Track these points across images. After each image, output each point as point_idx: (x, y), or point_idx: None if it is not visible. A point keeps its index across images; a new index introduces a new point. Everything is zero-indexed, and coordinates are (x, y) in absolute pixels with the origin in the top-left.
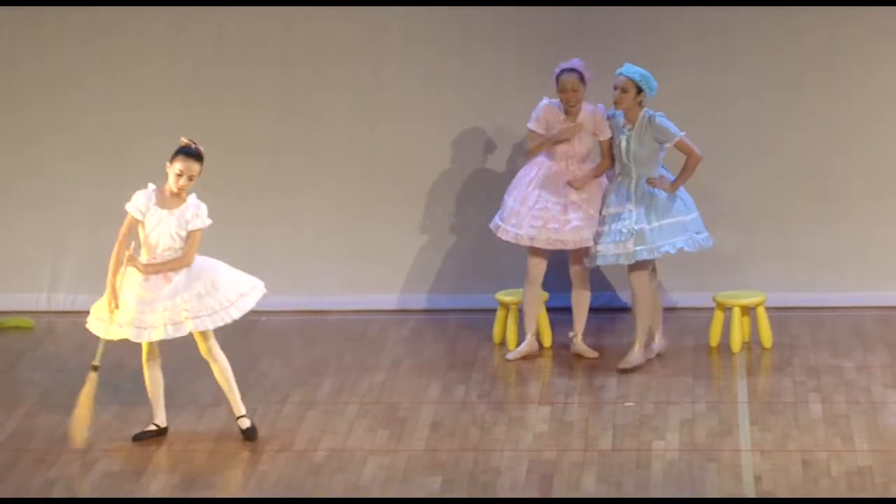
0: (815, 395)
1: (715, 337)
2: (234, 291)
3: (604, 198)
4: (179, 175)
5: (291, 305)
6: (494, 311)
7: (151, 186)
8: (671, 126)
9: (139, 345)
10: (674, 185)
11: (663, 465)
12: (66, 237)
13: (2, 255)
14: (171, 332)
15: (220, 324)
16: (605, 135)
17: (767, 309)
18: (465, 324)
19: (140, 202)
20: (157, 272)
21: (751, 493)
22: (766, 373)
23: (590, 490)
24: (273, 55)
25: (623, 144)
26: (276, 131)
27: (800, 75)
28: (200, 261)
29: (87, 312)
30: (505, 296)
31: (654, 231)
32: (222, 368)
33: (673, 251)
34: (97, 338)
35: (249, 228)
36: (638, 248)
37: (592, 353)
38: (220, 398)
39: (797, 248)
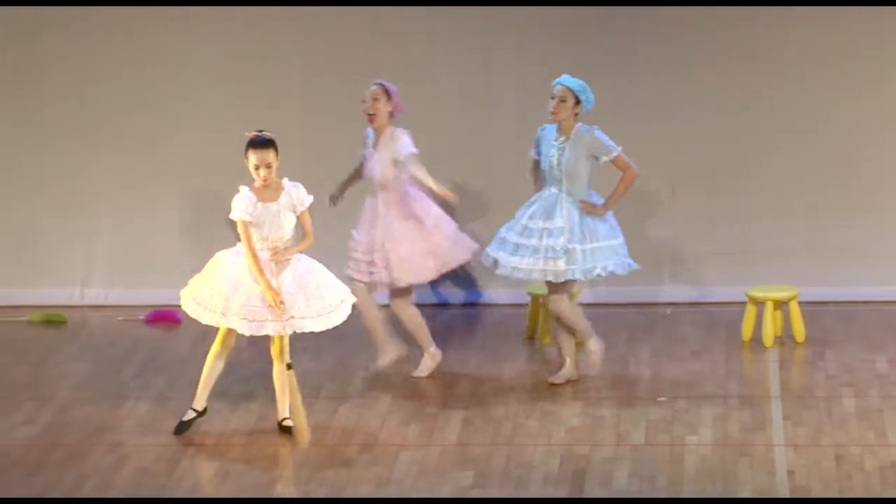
0: (848, 389)
1: (747, 331)
2: (336, 297)
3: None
4: (257, 168)
5: None
6: (526, 305)
7: (244, 188)
8: (609, 140)
9: (170, 337)
10: (606, 206)
11: (696, 459)
12: (98, 232)
13: (36, 250)
14: (254, 330)
15: (323, 328)
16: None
17: (800, 303)
18: (496, 318)
19: (243, 206)
20: (293, 254)
21: (784, 488)
22: (799, 367)
23: (622, 485)
24: (295, 54)
25: (555, 157)
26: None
27: (831, 68)
28: (306, 261)
29: (120, 307)
30: (536, 289)
31: (585, 253)
32: (284, 371)
33: (604, 273)
34: (120, 334)
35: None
36: (570, 267)
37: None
38: (252, 392)
39: (830, 243)
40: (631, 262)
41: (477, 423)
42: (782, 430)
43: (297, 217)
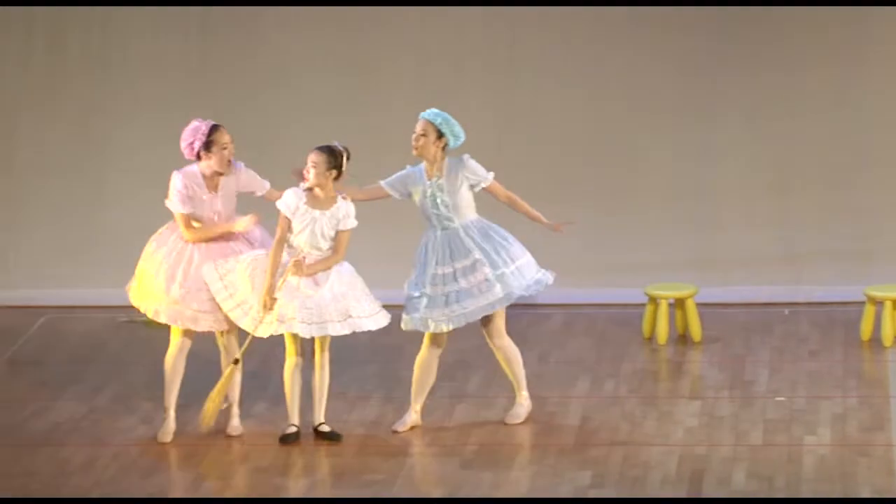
0: None
1: (866, 331)
2: (371, 306)
3: (423, 260)
4: (307, 167)
5: None
6: (643, 305)
7: (303, 186)
8: (481, 168)
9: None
10: (556, 223)
11: (815, 460)
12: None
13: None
14: (339, 329)
15: (375, 327)
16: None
17: None
18: (613, 318)
19: (291, 200)
20: (315, 272)
21: None
22: None
23: (740, 485)
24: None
25: (434, 198)
26: None
27: None
28: (350, 268)
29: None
30: (654, 290)
31: (514, 273)
32: (326, 377)
33: (540, 289)
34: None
35: None
36: (507, 292)
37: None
38: (371, 390)
39: None
40: (546, 274)
41: (594, 424)
42: None
43: (336, 234)
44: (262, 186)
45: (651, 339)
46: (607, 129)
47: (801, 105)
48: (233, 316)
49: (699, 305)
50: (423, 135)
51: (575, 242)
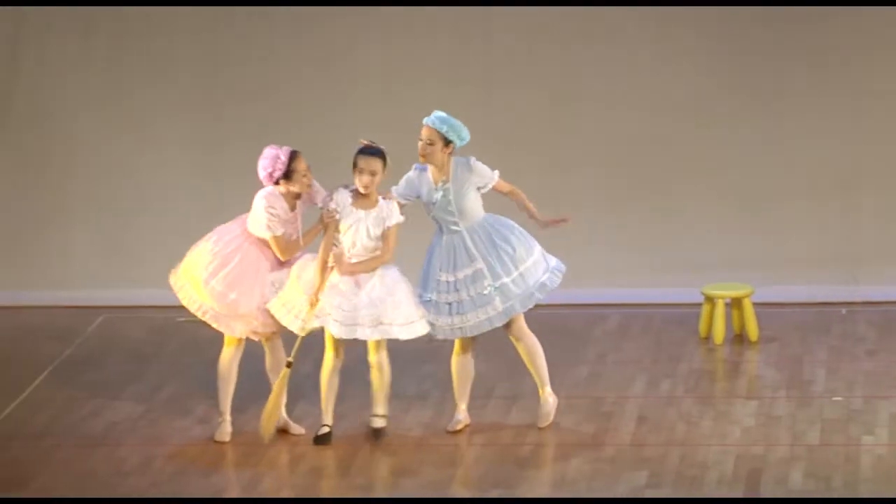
0: None
1: None
2: (409, 314)
3: (431, 264)
4: (360, 172)
5: None
6: (700, 305)
7: (351, 186)
8: (486, 168)
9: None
10: (547, 219)
11: (872, 460)
12: None
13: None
14: (369, 335)
15: (408, 337)
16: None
17: None
18: (669, 318)
19: (341, 200)
20: (359, 272)
21: None
22: None
23: (797, 485)
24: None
25: (443, 201)
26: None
27: None
28: (396, 272)
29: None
30: (711, 289)
31: (516, 281)
32: (385, 376)
33: (543, 296)
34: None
35: None
36: (507, 304)
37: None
38: (430, 390)
39: None
40: (556, 266)
41: (651, 423)
42: None
43: (383, 231)
44: (323, 197)
45: (707, 338)
46: (665, 129)
47: (863, 104)
48: (278, 315)
49: (756, 305)
50: (430, 143)
51: (632, 243)
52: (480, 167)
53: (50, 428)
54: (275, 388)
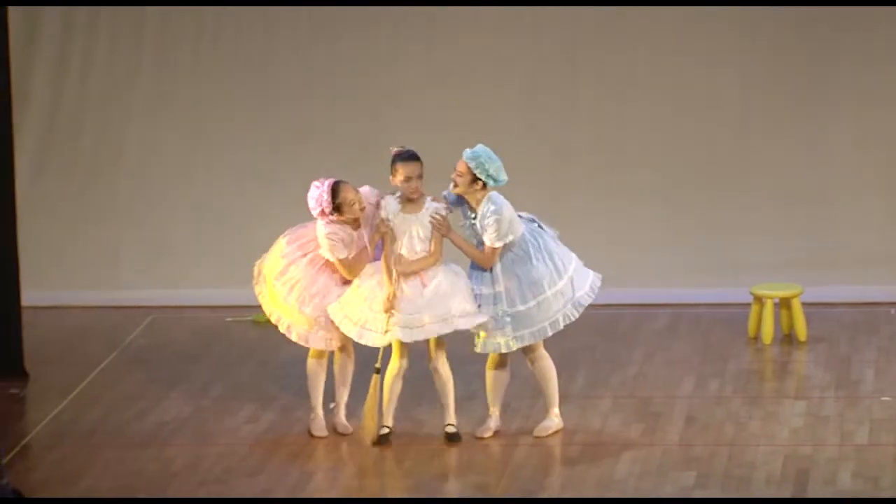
0: None
1: None
2: (468, 306)
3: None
4: (408, 180)
5: None
6: (749, 304)
7: (397, 193)
8: (495, 233)
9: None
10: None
11: None
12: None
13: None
14: (437, 329)
15: (467, 326)
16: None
17: None
18: (718, 318)
19: (392, 207)
20: (413, 273)
21: None
22: None
23: (846, 485)
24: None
25: (467, 231)
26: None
27: None
28: (455, 265)
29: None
30: (760, 289)
31: (531, 310)
32: (444, 381)
33: (557, 329)
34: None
35: None
36: (518, 333)
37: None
38: (470, 393)
39: None
40: (581, 296)
41: (699, 424)
42: None
43: (432, 233)
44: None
45: (756, 338)
46: (714, 130)
47: None
48: (356, 337)
49: (804, 305)
50: (460, 175)
51: (681, 243)
52: (492, 224)
53: (98, 428)
54: (368, 395)
